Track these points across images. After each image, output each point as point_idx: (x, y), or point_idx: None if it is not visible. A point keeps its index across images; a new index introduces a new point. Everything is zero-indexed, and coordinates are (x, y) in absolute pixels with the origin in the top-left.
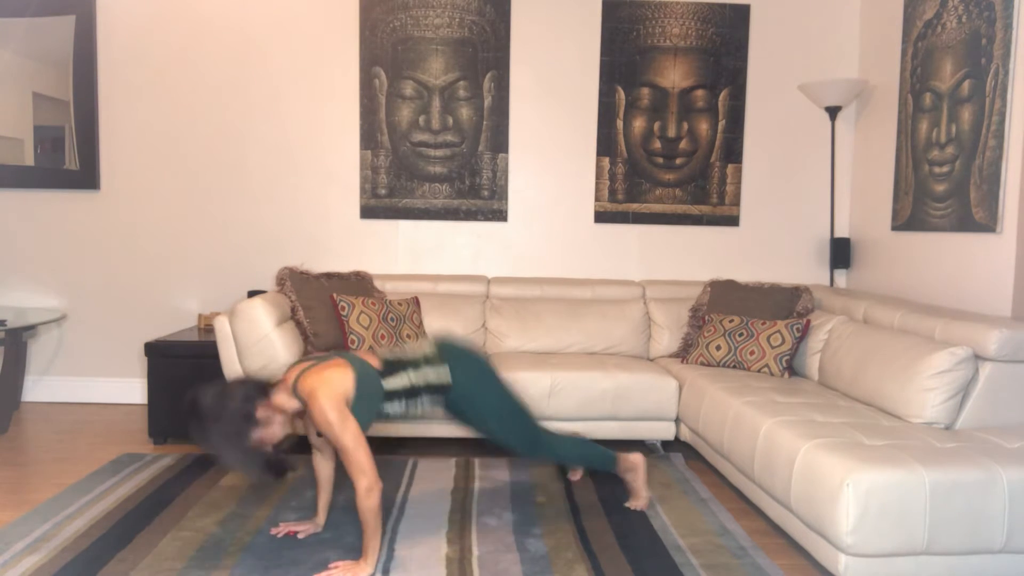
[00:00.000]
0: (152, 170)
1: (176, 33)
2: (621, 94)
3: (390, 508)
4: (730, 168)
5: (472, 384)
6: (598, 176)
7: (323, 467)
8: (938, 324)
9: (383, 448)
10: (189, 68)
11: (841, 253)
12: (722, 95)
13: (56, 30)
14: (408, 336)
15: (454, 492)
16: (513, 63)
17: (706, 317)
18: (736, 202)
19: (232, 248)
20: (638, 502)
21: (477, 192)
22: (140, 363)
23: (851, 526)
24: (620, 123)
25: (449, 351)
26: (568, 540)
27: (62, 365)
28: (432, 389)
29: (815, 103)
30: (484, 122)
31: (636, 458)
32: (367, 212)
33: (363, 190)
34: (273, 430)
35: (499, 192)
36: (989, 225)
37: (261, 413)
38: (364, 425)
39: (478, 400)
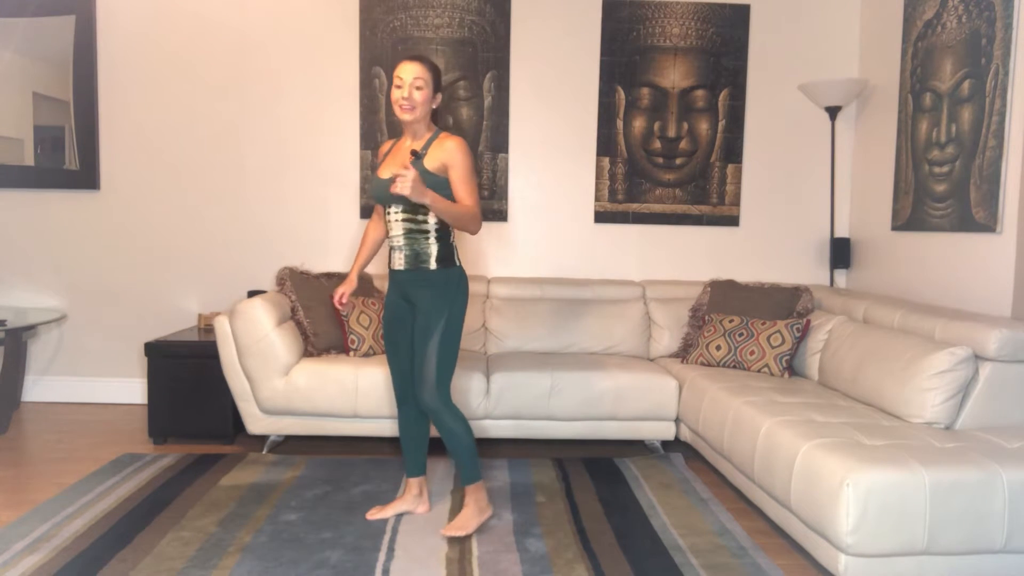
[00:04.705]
0: (152, 170)
1: (176, 33)
2: (621, 94)
3: None
4: (730, 168)
5: (455, 301)
6: (598, 176)
7: (375, 231)
8: (938, 324)
9: (382, 448)
10: (189, 68)
11: (841, 253)
12: (722, 95)
13: (56, 30)
14: None
15: (454, 492)
16: (513, 63)
17: (706, 317)
18: (736, 202)
19: (232, 248)
20: (451, 528)
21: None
22: (140, 363)
23: (851, 526)
24: (620, 123)
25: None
26: (568, 540)
27: (62, 365)
28: (447, 252)
29: (815, 103)
30: (484, 122)
31: (486, 505)
32: (367, 212)
33: (363, 190)
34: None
35: (499, 192)
36: (989, 225)
37: None
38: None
39: (446, 311)
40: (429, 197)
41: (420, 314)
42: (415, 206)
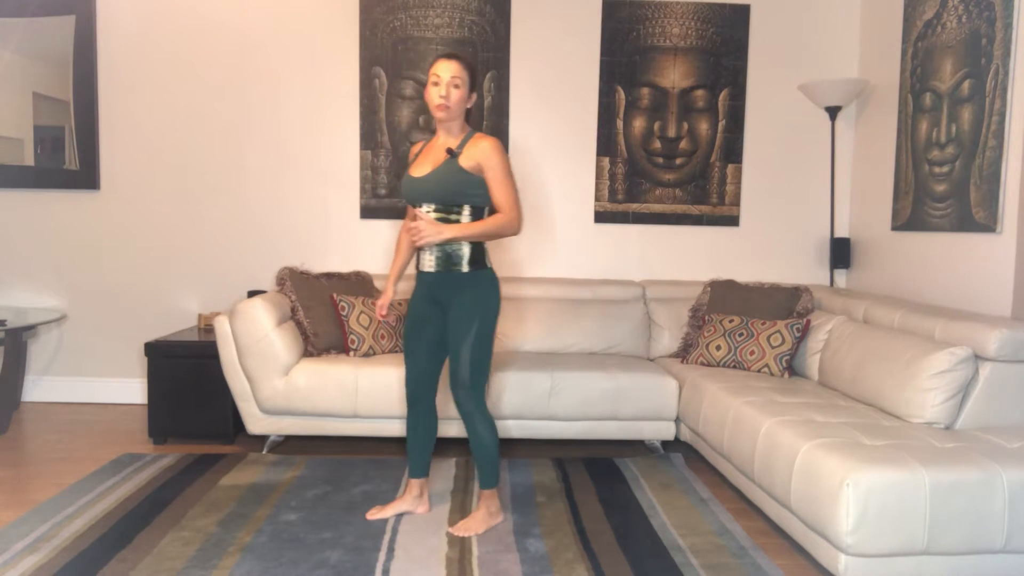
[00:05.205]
0: (152, 170)
1: (176, 33)
2: (621, 94)
3: None
4: (730, 168)
5: (488, 303)
6: (598, 176)
7: (407, 239)
8: (938, 324)
9: (382, 448)
10: (189, 68)
11: (841, 253)
12: (722, 95)
13: (56, 30)
14: None
15: (454, 492)
16: (513, 63)
17: (706, 317)
18: (736, 202)
19: (232, 248)
20: (459, 528)
21: None
22: (140, 363)
23: (851, 526)
24: (620, 123)
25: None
26: (568, 540)
27: (62, 365)
28: (479, 256)
29: (815, 103)
30: (484, 122)
31: (496, 510)
32: (367, 212)
33: (363, 190)
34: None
35: None
36: (989, 225)
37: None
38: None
39: (479, 313)
40: (449, 232)
41: (452, 318)
42: (448, 206)
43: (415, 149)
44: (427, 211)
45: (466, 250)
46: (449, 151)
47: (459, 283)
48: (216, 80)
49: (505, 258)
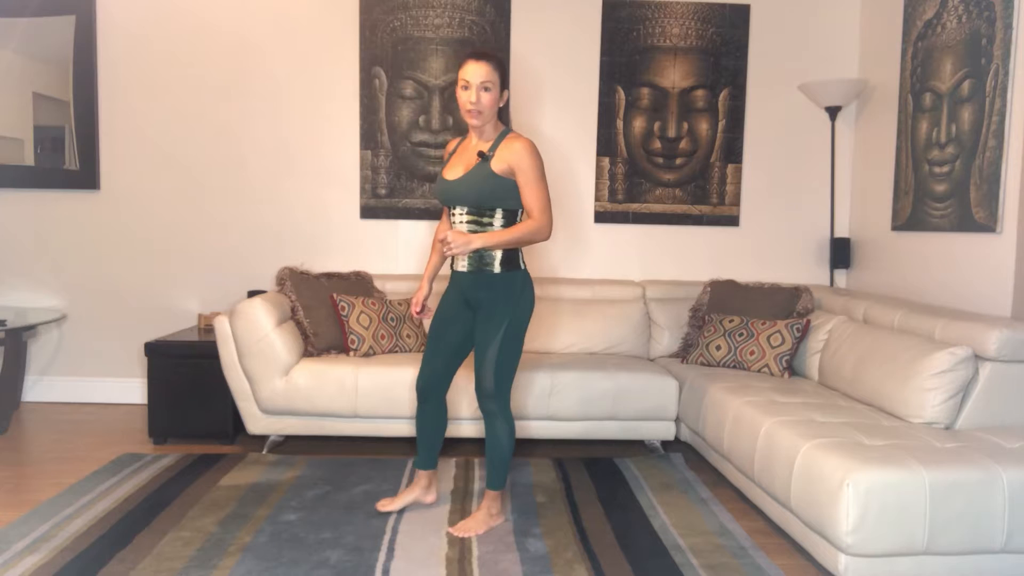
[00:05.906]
0: (152, 170)
1: (176, 33)
2: (621, 94)
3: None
4: (730, 168)
5: (519, 305)
6: (598, 176)
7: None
8: (938, 324)
9: (382, 448)
10: (189, 68)
11: (841, 253)
12: (722, 95)
13: (56, 30)
14: (408, 336)
15: (454, 492)
16: (513, 63)
17: (706, 317)
18: (736, 202)
19: (232, 248)
20: (459, 528)
21: None
22: (140, 363)
23: (851, 526)
24: (620, 123)
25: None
26: (568, 540)
27: (62, 365)
28: (513, 258)
29: (815, 103)
30: None
31: (497, 512)
32: (367, 212)
33: (363, 190)
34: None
35: None
36: (989, 225)
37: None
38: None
39: (509, 313)
40: (478, 242)
41: (481, 317)
42: (481, 209)
43: (449, 147)
44: (460, 213)
45: (498, 251)
46: (480, 154)
47: (491, 283)
48: (216, 80)
49: None
